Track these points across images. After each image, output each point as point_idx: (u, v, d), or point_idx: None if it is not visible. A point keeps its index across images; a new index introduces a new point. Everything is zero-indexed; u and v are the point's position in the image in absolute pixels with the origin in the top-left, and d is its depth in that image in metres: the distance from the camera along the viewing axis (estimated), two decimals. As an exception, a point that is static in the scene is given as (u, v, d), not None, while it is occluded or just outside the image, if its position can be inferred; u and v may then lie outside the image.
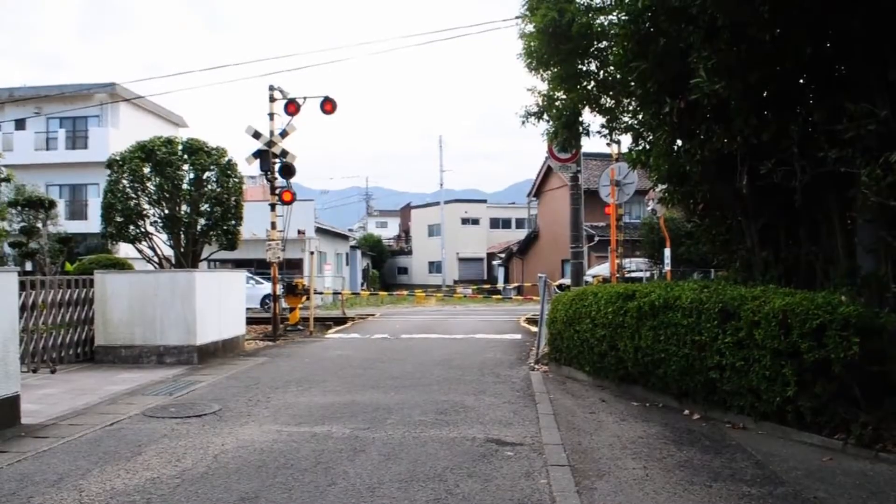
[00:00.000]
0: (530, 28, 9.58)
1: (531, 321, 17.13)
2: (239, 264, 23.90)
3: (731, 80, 6.65)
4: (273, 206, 15.64)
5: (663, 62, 7.49)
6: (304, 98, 15.18)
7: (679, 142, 8.37)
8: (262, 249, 16.50)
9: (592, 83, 9.59)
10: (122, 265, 15.12)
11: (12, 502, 4.60)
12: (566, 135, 10.10)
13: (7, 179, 16.72)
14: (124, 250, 20.79)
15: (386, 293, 34.85)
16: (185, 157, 14.93)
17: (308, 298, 17.23)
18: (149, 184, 14.67)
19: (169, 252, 15.35)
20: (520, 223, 57.88)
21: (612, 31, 8.75)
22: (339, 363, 10.82)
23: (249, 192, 21.27)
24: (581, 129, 10.14)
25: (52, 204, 17.01)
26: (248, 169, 16.56)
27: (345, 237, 44.43)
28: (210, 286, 11.44)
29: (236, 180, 15.44)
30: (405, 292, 34.68)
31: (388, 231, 76.08)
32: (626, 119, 9.72)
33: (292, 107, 15.13)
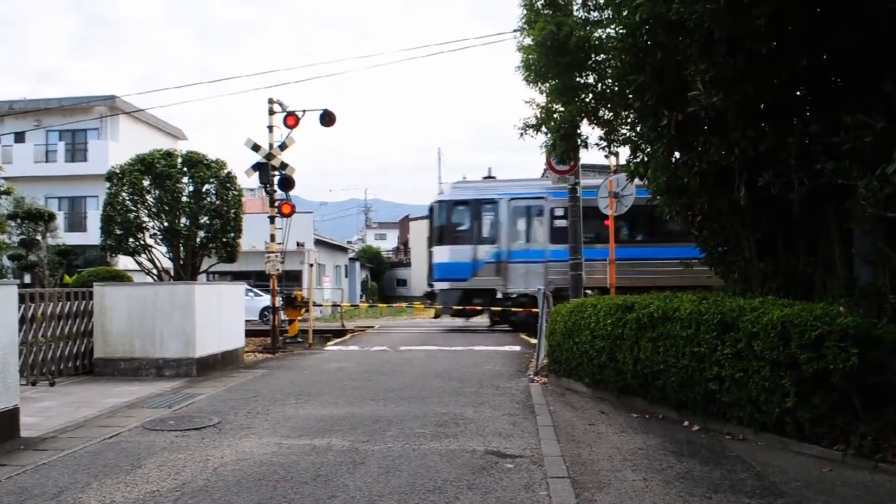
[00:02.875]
0: (528, 41, 9.65)
1: (530, 333, 17.11)
2: (238, 276, 23.94)
3: (728, 92, 6.69)
4: (272, 219, 15.66)
5: (661, 75, 7.54)
6: (304, 111, 15.24)
7: (677, 154, 8.41)
8: (261, 262, 16.51)
9: (590, 96, 9.63)
10: (121, 277, 15.13)
11: (11, 516, 4.59)
12: (564, 147, 10.14)
13: (7, 192, 16.74)
14: (123, 262, 20.81)
15: (385, 305, 34.77)
16: (185, 169, 14.99)
17: (307, 311, 17.23)
18: (148, 196, 14.73)
19: (168, 264, 15.36)
20: (519, 234, 57.62)
21: (609, 45, 8.80)
22: (339, 375, 10.81)
23: (248, 204, 21.30)
24: (579, 141, 10.18)
25: (52, 216, 17.06)
26: (248, 181, 16.61)
27: (344, 249, 44.44)
28: (209, 298, 11.44)
29: (235, 193, 15.49)
30: (404, 304, 34.59)
31: (387, 243, 76.01)
32: (624, 131, 9.76)
33: (291, 120, 15.17)
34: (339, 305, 25.61)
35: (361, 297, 46.79)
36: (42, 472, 5.58)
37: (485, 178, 22.22)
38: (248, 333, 14.61)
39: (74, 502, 4.82)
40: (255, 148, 15.27)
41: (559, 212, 18.40)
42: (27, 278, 19.69)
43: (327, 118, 15.06)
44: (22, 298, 8.99)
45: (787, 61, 6.56)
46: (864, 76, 6.59)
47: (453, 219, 19.91)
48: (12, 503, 4.83)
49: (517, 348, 14.64)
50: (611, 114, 9.68)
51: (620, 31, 8.05)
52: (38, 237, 16.98)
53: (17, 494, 5.01)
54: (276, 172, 15.24)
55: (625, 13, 7.58)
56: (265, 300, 23.49)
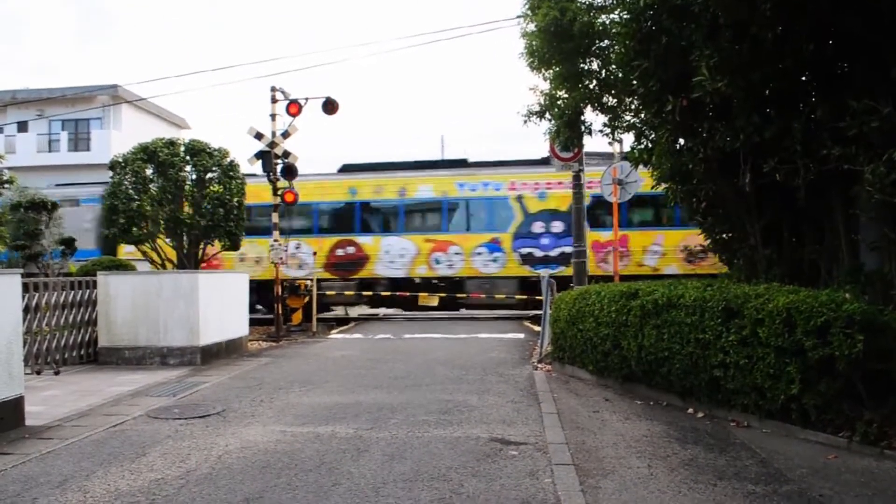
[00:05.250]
0: (532, 27, 9.59)
1: (534, 320, 17.12)
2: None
3: (733, 78, 6.64)
4: (275, 207, 15.64)
5: (665, 61, 7.48)
6: (306, 99, 15.18)
7: (681, 140, 8.36)
8: (264, 250, 16.47)
9: (594, 82, 9.58)
10: (124, 266, 15.14)
11: (17, 504, 4.60)
12: (568, 134, 10.10)
13: (10, 181, 16.71)
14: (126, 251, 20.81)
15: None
16: (188, 158, 14.96)
17: (311, 299, 17.23)
18: (151, 185, 14.70)
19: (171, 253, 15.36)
20: (522, 223, 57.58)
21: (613, 30, 8.74)
22: (343, 363, 10.82)
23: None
24: (583, 128, 10.14)
25: (55, 206, 16.99)
26: (251, 169, 16.58)
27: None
28: (213, 287, 11.44)
29: (238, 181, 15.46)
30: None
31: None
32: (628, 118, 9.71)
33: (294, 108, 15.11)
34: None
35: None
36: (47, 460, 5.60)
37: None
38: (252, 322, 14.63)
39: (79, 490, 4.83)
40: (258, 136, 15.23)
41: None
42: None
43: (329, 106, 15.00)
44: (26, 287, 9.00)
45: (793, 47, 6.50)
46: (871, 61, 6.53)
47: None
48: (18, 491, 4.84)
49: (521, 336, 14.64)
50: (615, 100, 9.62)
51: (624, 17, 7.98)
52: (42, 227, 16.96)
53: (23, 482, 5.02)
54: (279, 161, 15.21)
55: (629, -2, 7.52)
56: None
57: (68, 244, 17.32)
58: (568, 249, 15.39)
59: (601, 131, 10.05)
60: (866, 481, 4.81)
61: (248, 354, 12.25)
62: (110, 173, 15.02)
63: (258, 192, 17.23)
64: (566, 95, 9.74)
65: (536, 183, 18.58)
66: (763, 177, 7.24)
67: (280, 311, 15.49)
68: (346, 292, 18.99)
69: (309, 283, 17.33)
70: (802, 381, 5.63)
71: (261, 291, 18.08)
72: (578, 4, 9.15)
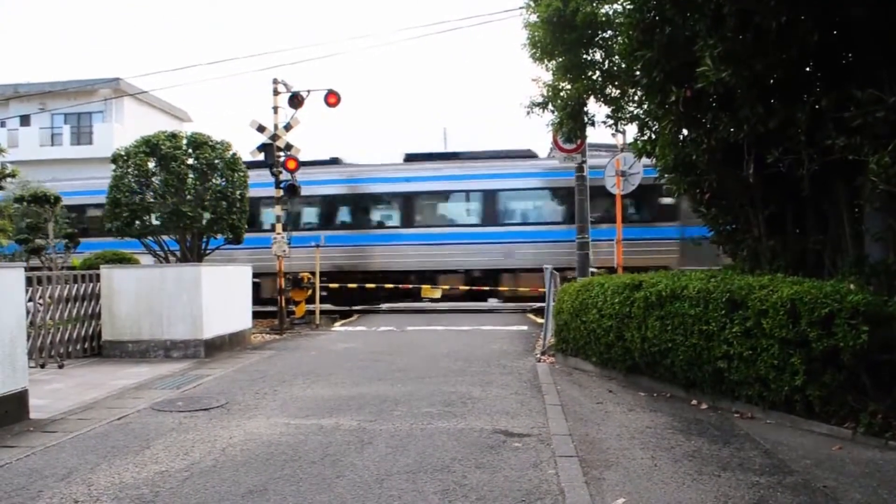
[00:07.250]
0: (534, 18, 9.56)
1: (537, 312, 17.12)
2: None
3: (737, 67, 6.59)
4: (278, 200, 15.63)
5: (669, 51, 7.44)
6: (308, 91, 15.15)
7: (685, 131, 8.32)
8: (267, 243, 16.45)
9: (597, 73, 9.56)
10: (127, 260, 15.16)
11: (22, 497, 4.61)
12: (571, 125, 10.09)
13: (12, 175, 16.71)
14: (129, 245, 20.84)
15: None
16: (190, 151, 14.94)
17: (314, 291, 17.23)
18: (154, 178, 14.68)
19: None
20: (525, 215, 57.55)
21: (616, 20, 8.71)
22: (346, 356, 10.83)
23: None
24: (586, 119, 10.11)
25: (57, 199, 16.99)
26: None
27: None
28: (216, 280, 11.45)
29: (241, 174, 15.44)
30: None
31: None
32: (631, 109, 9.69)
33: (296, 100, 15.09)
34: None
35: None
36: (52, 453, 5.61)
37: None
38: (256, 315, 14.64)
39: (84, 483, 4.84)
40: (260, 129, 15.20)
41: None
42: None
43: (331, 97, 14.97)
44: (29, 281, 9.01)
45: (797, 36, 6.45)
46: (875, 51, 6.48)
47: None
48: (23, 484, 4.85)
49: (524, 328, 14.64)
50: (618, 91, 9.60)
51: (628, 7, 7.94)
52: (44, 220, 16.99)
53: (28, 475, 5.04)
54: (282, 153, 15.19)
55: (632, -12, 7.48)
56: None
57: (71, 238, 17.35)
58: None
59: (604, 122, 10.03)
60: (871, 472, 4.80)
61: (251, 347, 12.27)
62: (113, 167, 15.01)
63: None
64: (569, 86, 9.72)
65: None
66: (767, 167, 7.21)
67: (283, 304, 15.50)
68: None
69: (311, 275, 17.32)
70: (807, 372, 5.61)
71: None
72: (581, -6, 9.11)
